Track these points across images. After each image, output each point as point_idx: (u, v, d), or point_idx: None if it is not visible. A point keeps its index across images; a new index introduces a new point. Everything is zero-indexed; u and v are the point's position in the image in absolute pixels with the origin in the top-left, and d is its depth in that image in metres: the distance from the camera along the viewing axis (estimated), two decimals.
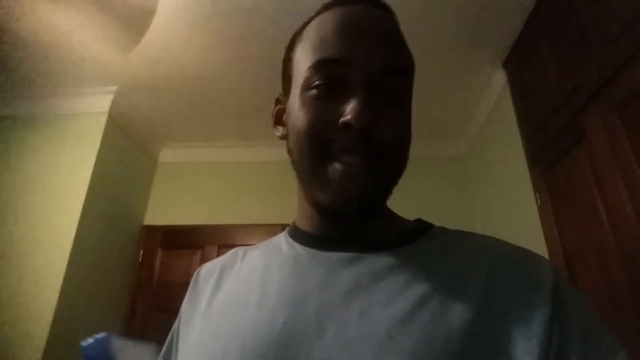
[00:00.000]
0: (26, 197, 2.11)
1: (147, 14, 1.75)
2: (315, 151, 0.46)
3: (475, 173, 2.70)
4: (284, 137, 0.55)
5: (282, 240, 0.56)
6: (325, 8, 0.53)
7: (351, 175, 0.44)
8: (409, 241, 0.49)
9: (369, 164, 0.45)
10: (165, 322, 0.56)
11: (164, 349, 0.56)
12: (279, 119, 0.58)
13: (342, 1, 0.52)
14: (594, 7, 1.32)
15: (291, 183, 0.55)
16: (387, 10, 0.53)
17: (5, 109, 2.37)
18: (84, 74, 2.20)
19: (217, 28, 1.90)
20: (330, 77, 0.47)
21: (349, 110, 0.44)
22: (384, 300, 0.41)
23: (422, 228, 0.52)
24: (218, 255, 0.61)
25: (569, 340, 0.37)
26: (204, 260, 2.28)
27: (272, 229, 2.61)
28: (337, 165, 0.45)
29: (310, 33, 0.52)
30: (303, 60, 0.50)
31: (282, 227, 0.54)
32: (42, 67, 2.13)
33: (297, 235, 0.55)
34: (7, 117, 2.35)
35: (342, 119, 0.44)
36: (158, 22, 1.85)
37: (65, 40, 1.93)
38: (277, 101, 0.60)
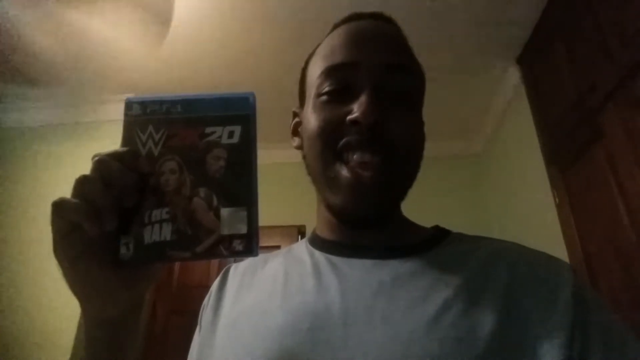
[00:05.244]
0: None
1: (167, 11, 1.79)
2: (327, 152, 0.48)
3: (490, 171, 2.67)
4: (300, 147, 0.57)
5: (302, 248, 0.57)
6: (335, 27, 0.56)
7: (363, 177, 0.45)
8: (428, 247, 0.49)
9: (380, 161, 0.46)
10: (186, 324, 0.57)
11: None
12: (295, 130, 0.61)
13: (350, 18, 0.55)
14: (611, 4, 1.30)
15: (307, 185, 0.56)
16: (393, 23, 0.56)
17: (26, 118, 2.44)
18: (108, 83, 2.27)
19: (233, 35, 1.93)
20: (340, 83, 0.49)
21: (357, 107, 0.46)
22: (406, 305, 0.41)
23: (440, 234, 0.53)
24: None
25: (591, 345, 0.37)
26: (222, 262, 2.31)
27: (288, 231, 2.65)
28: (348, 167, 0.46)
29: (321, 48, 0.55)
30: (314, 71, 0.53)
31: (298, 228, 0.55)
32: (65, 76, 2.20)
33: (317, 243, 0.55)
34: (29, 126, 2.42)
35: (349, 116, 0.46)
36: (178, 30, 1.90)
37: (91, 48, 2.00)
38: (294, 115, 0.62)
